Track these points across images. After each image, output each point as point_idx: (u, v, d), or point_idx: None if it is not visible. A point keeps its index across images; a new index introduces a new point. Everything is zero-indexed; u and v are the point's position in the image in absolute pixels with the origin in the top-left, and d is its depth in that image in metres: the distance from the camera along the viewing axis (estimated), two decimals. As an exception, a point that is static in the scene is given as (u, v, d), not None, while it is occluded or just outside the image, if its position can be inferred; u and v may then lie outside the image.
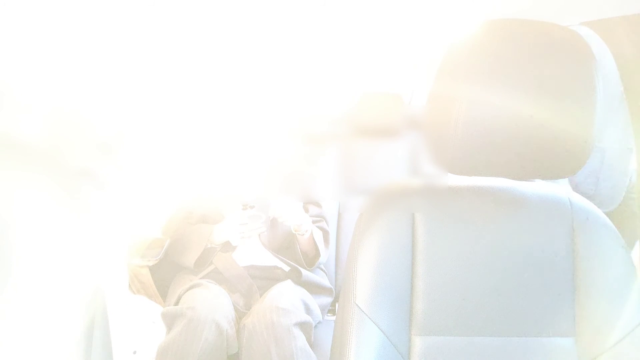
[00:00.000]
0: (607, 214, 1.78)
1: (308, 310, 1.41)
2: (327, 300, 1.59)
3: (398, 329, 0.80)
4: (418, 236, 0.83)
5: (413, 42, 1.45)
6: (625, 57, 0.99)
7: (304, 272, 1.52)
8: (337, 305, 1.61)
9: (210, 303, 1.30)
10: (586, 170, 1.73)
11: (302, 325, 1.30)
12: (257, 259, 1.53)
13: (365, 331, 0.78)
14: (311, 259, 1.59)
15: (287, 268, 1.53)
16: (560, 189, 0.90)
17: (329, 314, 1.66)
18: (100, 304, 0.70)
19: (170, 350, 1.23)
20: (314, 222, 1.62)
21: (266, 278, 1.50)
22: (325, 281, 1.60)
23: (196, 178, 1.51)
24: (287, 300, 1.33)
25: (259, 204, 1.50)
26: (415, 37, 1.38)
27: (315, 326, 1.43)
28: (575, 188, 1.72)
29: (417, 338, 0.81)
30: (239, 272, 1.47)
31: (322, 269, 1.67)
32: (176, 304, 1.37)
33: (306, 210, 1.64)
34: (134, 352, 1.32)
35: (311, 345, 1.31)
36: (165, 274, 1.58)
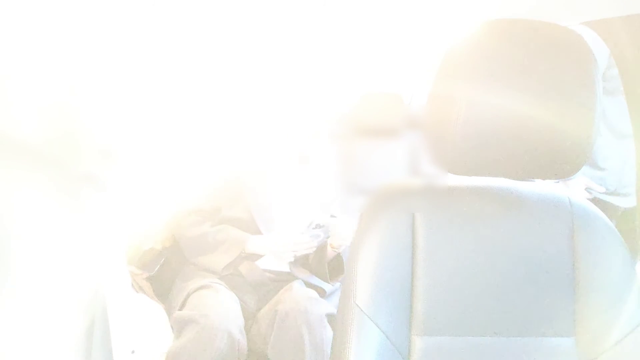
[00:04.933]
0: (618, 217, 1.77)
1: None
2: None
3: (398, 329, 0.80)
4: (418, 236, 0.83)
5: (413, 42, 1.46)
6: (625, 57, 0.99)
7: (309, 276, 1.52)
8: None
9: (223, 310, 1.29)
10: (610, 165, 1.73)
11: (329, 317, 1.33)
12: (276, 265, 1.51)
13: (365, 331, 0.78)
14: (337, 273, 1.57)
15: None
16: (560, 189, 0.90)
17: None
18: (100, 304, 0.70)
19: (180, 357, 1.23)
20: None
21: (279, 281, 1.50)
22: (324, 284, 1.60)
23: (195, 178, 1.51)
24: (312, 292, 1.38)
25: (327, 223, 1.43)
26: (416, 38, 1.38)
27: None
28: (599, 182, 1.72)
29: (417, 338, 0.81)
30: (262, 279, 1.47)
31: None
32: (183, 303, 1.36)
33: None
34: (132, 352, 1.32)
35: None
36: (163, 282, 1.56)
